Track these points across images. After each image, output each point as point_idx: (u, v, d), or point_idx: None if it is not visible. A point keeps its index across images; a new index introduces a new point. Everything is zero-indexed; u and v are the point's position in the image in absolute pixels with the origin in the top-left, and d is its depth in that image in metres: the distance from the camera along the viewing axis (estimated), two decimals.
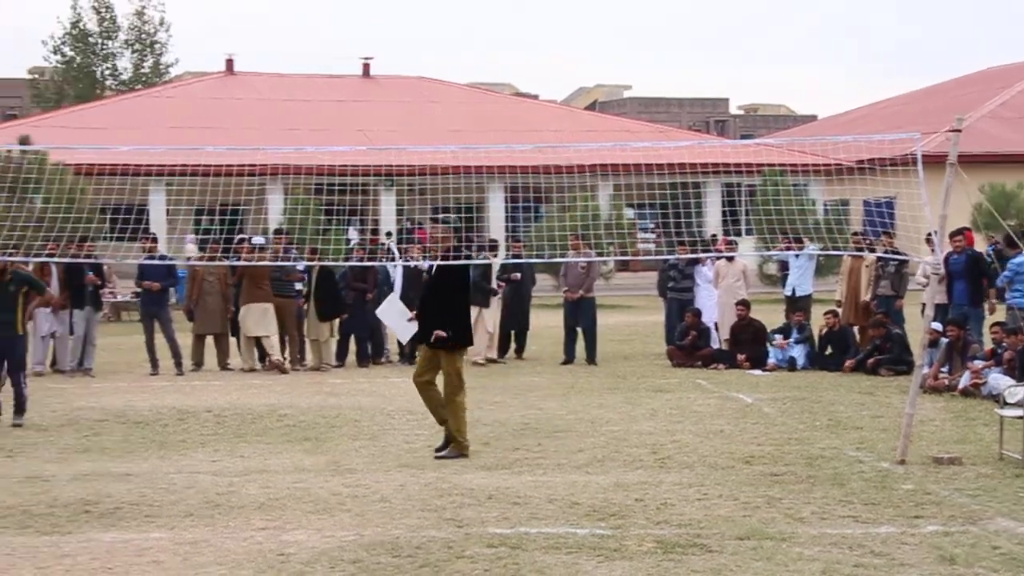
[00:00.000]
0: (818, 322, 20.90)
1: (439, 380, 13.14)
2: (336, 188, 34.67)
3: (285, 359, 20.54)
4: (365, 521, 10.04)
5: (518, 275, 22.02)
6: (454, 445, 12.97)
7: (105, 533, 9.74)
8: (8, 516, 10.31)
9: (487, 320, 21.22)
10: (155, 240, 21.98)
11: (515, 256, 22.86)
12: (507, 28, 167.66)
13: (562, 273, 23.11)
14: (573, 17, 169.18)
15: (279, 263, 20.37)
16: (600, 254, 22.30)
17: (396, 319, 14.67)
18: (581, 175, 29.91)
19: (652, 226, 40.38)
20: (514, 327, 22.34)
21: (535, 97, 70.96)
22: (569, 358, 21.58)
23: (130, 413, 16.00)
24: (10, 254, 18.41)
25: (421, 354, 13.68)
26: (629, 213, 38.92)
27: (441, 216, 14.80)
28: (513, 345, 22.43)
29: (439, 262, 13.37)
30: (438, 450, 13.00)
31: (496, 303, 21.47)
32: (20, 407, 15.12)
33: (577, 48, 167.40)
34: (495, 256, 22.63)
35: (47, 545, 9.36)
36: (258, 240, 22.29)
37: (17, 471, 12.30)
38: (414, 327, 13.89)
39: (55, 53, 64.21)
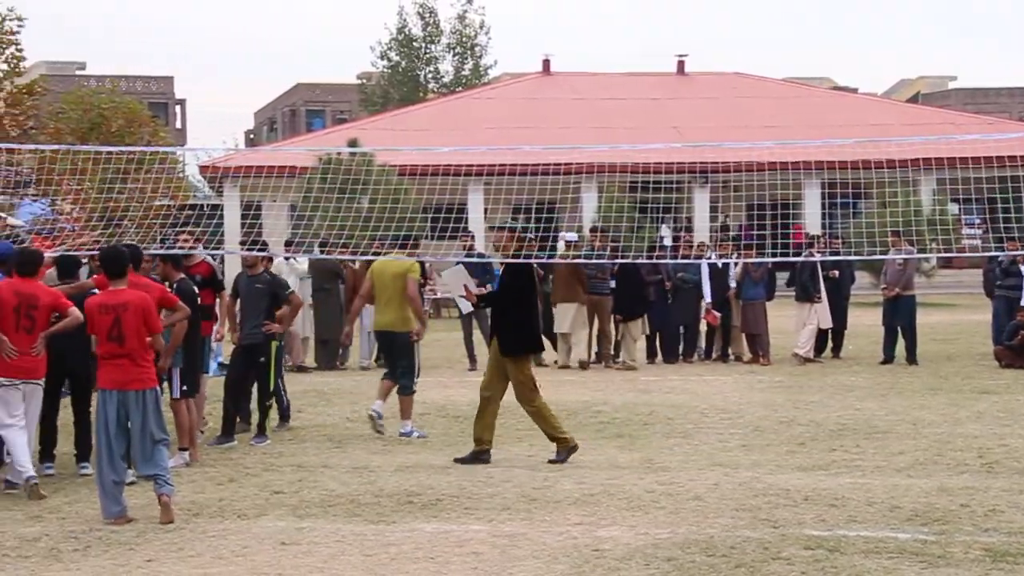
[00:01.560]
0: None
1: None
2: (650, 186, 34.68)
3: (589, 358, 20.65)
4: (679, 519, 10.00)
5: (835, 273, 21.55)
6: (560, 445, 12.63)
7: (427, 523, 10.00)
8: (337, 504, 10.72)
9: (814, 316, 20.95)
10: (473, 238, 22.46)
11: (833, 253, 22.34)
12: (825, 20, 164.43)
13: (883, 271, 22.48)
14: (893, 7, 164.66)
15: (593, 261, 20.47)
16: (922, 250, 21.57)
17: (458, 288, 13.89)
18: (903, 170, 28.93)
19: (978, 221, 38.82)
20: (834, 326, 21.85)
21: (854, 90, 69.14)
22: (888, 357, 21.00)
23: (450, 407, 16.37)
24: (339, 252, 19.20)
25: (489, 362, 13.14)
26: (953, 208, 37.57)
27: (508, 224, 14.29)
28: (830, 344, 21.98)
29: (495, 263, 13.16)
30: (458, 459, 12.66)
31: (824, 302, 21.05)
32: (283, 414, 14.87)
33: (898, 39, 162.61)
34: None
35: (373, 533, 9.67)
36: (571, 236, 22.46)
37: (345, 461, 12.77)
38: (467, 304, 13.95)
39: (382, 58, 66.29)
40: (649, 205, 35.33)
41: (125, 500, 10.21)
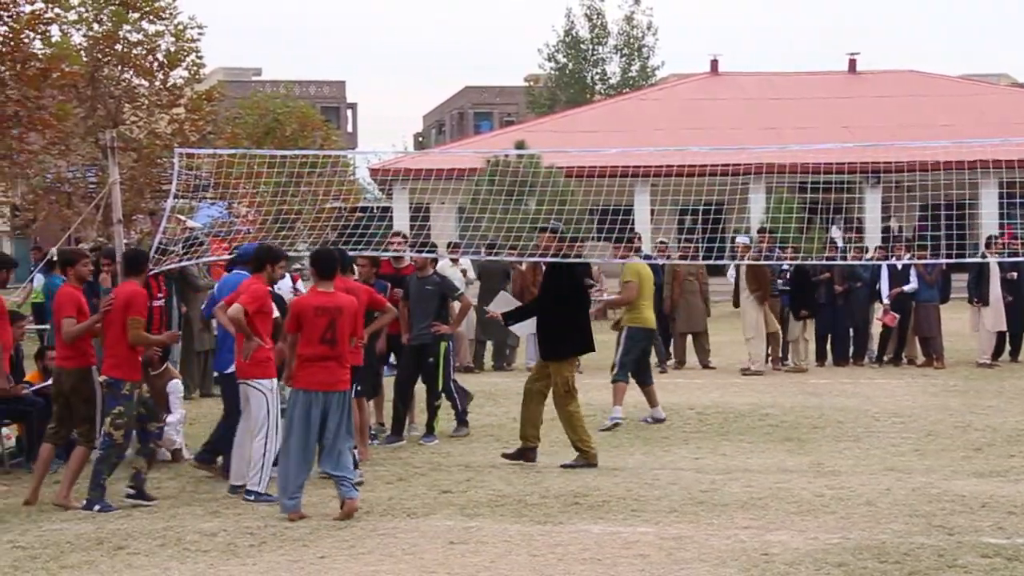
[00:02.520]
0: None
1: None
2: (820, 186, 34.23)
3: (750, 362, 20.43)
4: (850, 524, 9.85)
5: (1014, 274, 20.98)
6: (580, 455, 12.53)
7: (594, 525, 10.01)
8: (504, 504, 10.79)
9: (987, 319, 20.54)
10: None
11: (1012, 254, 21.74)
12: (1002, 15, 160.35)
13: None
14: None
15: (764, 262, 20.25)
16: None
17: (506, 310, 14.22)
18: None
19: None
20: (1012, 328, 21.26)
21: None
22: None
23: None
24: (508, 254, 19.33)
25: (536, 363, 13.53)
26: None
27: (550, 225, 14.12)
28: (1008, 348, 21.41)
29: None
30: (506, 455, 12.73)
31: (995, 304, 20.55)
32: (460, 418, 14.90)
33: None
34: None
35: (540, 533, 9.71)
36: (743, 239, 22.27)
37: (511, 463, 12.84)
38: (528, 325, 13.75)
39: (549, 60, 66.50)
40: (819, 206, 34.87)
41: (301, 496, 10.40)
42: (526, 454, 12.72)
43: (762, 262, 19.94)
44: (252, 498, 10.92)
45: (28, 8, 26.06)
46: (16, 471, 12.62)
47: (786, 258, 20.67)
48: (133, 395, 10.95)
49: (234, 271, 12.27)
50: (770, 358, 20.68)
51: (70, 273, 11.62)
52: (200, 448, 12.40)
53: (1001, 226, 32.03)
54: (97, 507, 10.77)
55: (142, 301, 11.14)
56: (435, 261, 15.73)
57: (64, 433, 11.34)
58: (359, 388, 13.12)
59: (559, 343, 12.78)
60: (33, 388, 13.02)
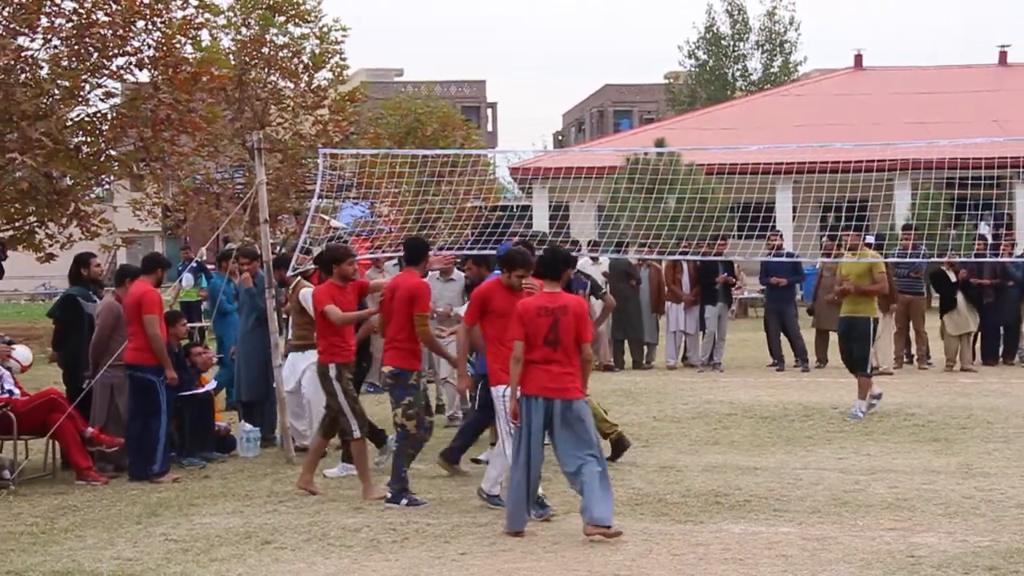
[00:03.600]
0: None
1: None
2: (968, 182, 33.54)
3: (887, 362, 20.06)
4: (1000, 527, 9.63)
5: None
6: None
7: (735, 524, 9.93)
8: (644, 503, 10.76)
9: None
10: (781, 237, 22.19)
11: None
12: None
13: None
14: None
15: (907, 260, 19.90)
16: None
17: None
18: None
19: None
20: None
21: None
22: None
23: (757, 408, 16.25)
24: (645, 252, 19.29)
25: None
26: None
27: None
28: None
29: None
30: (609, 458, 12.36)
31: None
32: None
33: None
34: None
35: (681, 533, 9.67)
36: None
37: (652, 460, 12.81)
38: None
39: (690, 57, 66.27)
40: (967, 202, 34.16)
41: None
42: (617, 446, 12.70)
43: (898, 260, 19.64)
44: (484, 498, 10.73)
45: (180, 14, 26.61)
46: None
47: (932, 256, 20.34)
48: (419, 384, 10.90)
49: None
50: (915, 357, 20.36)
51: (335, 271, 11.53)
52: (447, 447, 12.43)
53: None
54: (404, 501, 10.73)
55: (427, 294, 11.21)
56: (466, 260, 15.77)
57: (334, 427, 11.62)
58: None
59: None
60: (189, 392, 13.36)
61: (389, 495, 10.90)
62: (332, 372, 11.20)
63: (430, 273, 14.72)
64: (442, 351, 12.06)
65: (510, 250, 11.06)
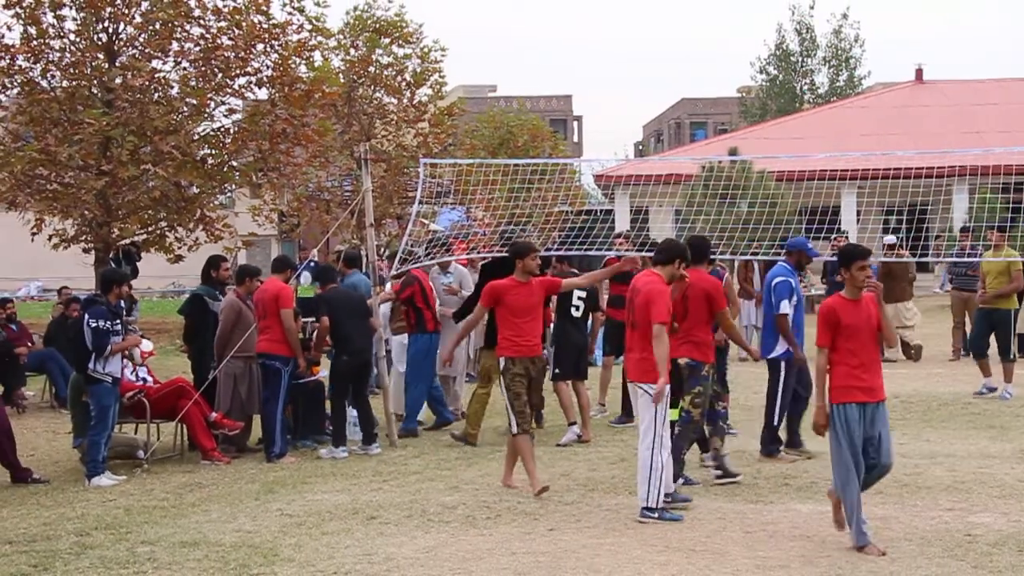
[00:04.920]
0: None
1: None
2: (1023, 186, 32.96)
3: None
4: None
5: None
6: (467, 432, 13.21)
7: (803, 504, 9.87)
8: (716, 484, 10.69)
9: None
10: (847, 237, 21.95)
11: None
12: None
13: None
14: None
15: (960, 258, 19.57)
16: None
17: None
18: None
19: None
20: None
21: None
22: None
23: None
24: (720, 253, 19.13)
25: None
26: None
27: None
28: None
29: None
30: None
31: None
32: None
33: None
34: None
35: (752, 512, 9.62)
36: (889, 239, 21.60)
37: (726, 446, 12.68)
38: None
39: (761, 72, 65.63)
40: (1022, 205, 33.55)
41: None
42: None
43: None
44: (655, 516, 9.41)
45: (295, 37, 26.85)
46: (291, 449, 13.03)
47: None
48: (710, 376, 10.77)
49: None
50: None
51: (518, 265, 11.07)
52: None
53: None
54: (680, 481, 10.45)
55: (723, 292, 11.08)
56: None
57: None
58: (558, 371, 13.37)
59: (490, 335, 12.76)
60: (304, 380, 13.51)
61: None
62: (501, 365, 10.87)
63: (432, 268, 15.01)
64: (741, 341, 11.78)
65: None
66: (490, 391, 13.28)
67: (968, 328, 20.29)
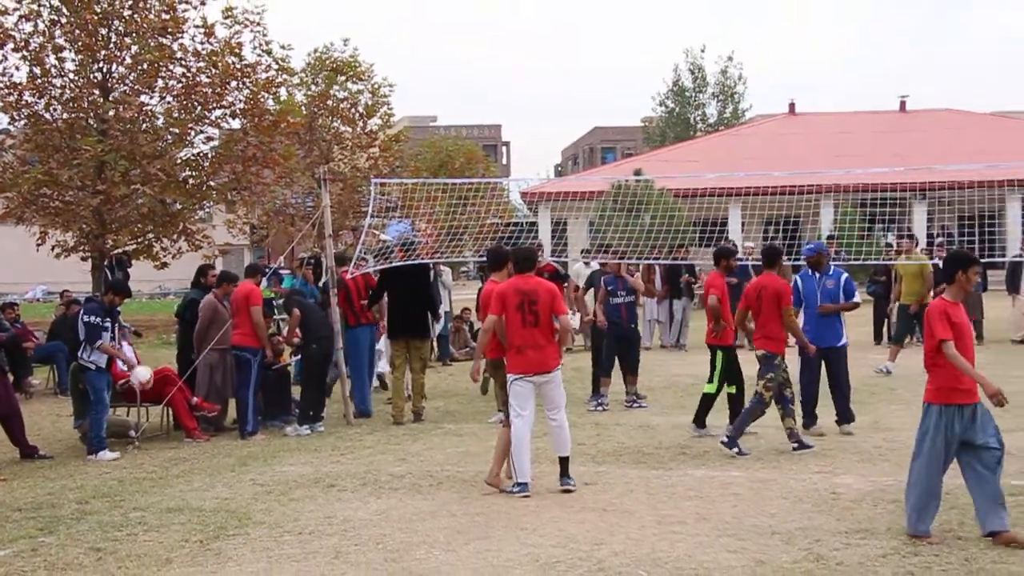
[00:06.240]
0: None
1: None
2: (877, 202, 33.39)
3: None
4: (902, 470, 9.46)
5: None
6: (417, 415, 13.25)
7: (697, 470, 9.92)
8: (626, 454, 10.75)
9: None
10: (734, 245, 22.11)
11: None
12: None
13: None
14: None
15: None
16: None
17: None
18: None
19: None
20: None
21: None
22: None
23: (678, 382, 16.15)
24: (627, 257, 19.18)
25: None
26: None
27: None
28: None
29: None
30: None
31: None
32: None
33: None
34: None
35: (655, 477, 9.66)
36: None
37: (632, 420, 12.79)
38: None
39: (660, 105, 66.04)
40: (876, 218, 34.04)
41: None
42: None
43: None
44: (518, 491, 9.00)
45: (263, 75, 26.67)
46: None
47: (850, 260, 20.21)
48: (782, 365, 10.69)
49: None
50: None
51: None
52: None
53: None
54: (735, 449, 10.41)
55: (790, 292, 11.00)
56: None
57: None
58: None
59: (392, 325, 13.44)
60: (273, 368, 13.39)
61: (724, 439, 10.52)
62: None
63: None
64: (799, 334, 11.36)
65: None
66: (402, 375, 13.37)
67: None
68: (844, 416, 11.79)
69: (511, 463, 9.15)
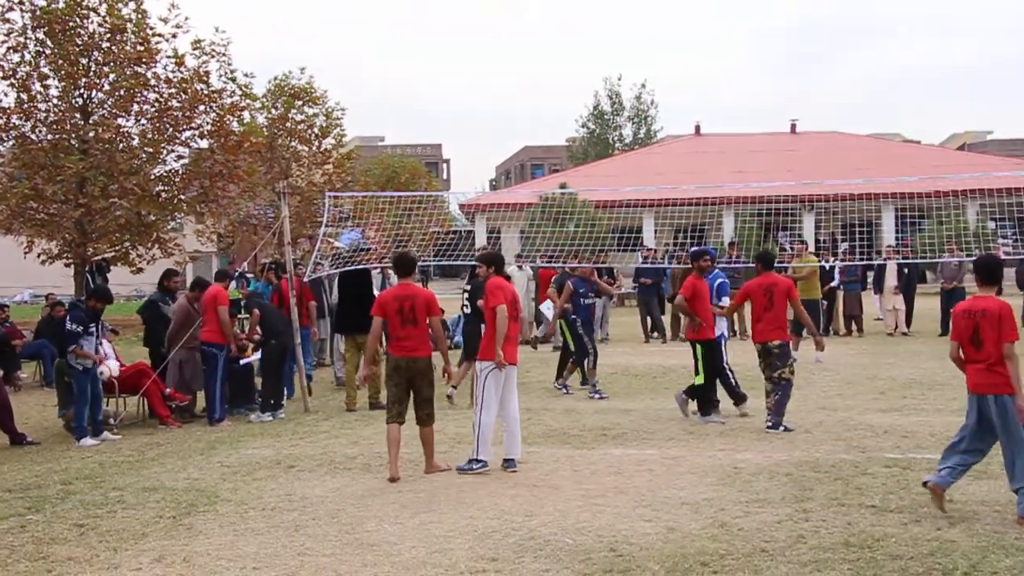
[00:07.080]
0: None
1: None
2: (772, 212, 33.88)
3: None
4: (794, 447, 9.76)
5: (906, 270, 20.62)
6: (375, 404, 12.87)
7: (616, 449, 9.97)
8: (553, 436, 10.78)
9: (888, 302, 20.28)
10: (648, 250, 22.29)
11: (904, 258, 21.37)
12: (905, 90, 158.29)
13: (939, 269, 21.51)
14: (947, 78, 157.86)
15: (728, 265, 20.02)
16: (968, 255, 20.44)
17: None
18: (954, 198, 27.66)
19: (1010, 233, 36.68)
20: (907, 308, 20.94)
21: (918, 142, 66.01)
22: (945, 332, 19.97)
23: (631, 368, 16.31)
24: (553, 261, 19.22)
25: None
26: (991, 225, 35.62)
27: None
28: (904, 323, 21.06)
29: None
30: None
31: (888, 292, 20.25)
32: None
33: (949, 101, 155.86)
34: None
35: (579, 456, 9.69)
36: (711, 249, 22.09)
37: (559, 405, 12.83)
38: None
39: (583, 127, 66.36)
40: (772, 225, 34.55)
41: None
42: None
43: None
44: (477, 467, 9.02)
45: (228, 100, 26.44)
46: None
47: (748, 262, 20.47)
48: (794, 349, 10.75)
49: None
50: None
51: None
52: None
53: (898, 239, 31.60)
54: (782, 428, 10.40)
55: (795, 287, 11.09)
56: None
57: (402, 411, 9.05)
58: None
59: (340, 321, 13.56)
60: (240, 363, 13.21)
61: (770, 423, 10.47)
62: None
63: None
64: (810, 325, 11.47)
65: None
66: (354, 367, 13.28)
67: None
68: (738, 398, 11.83)
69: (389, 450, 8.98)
